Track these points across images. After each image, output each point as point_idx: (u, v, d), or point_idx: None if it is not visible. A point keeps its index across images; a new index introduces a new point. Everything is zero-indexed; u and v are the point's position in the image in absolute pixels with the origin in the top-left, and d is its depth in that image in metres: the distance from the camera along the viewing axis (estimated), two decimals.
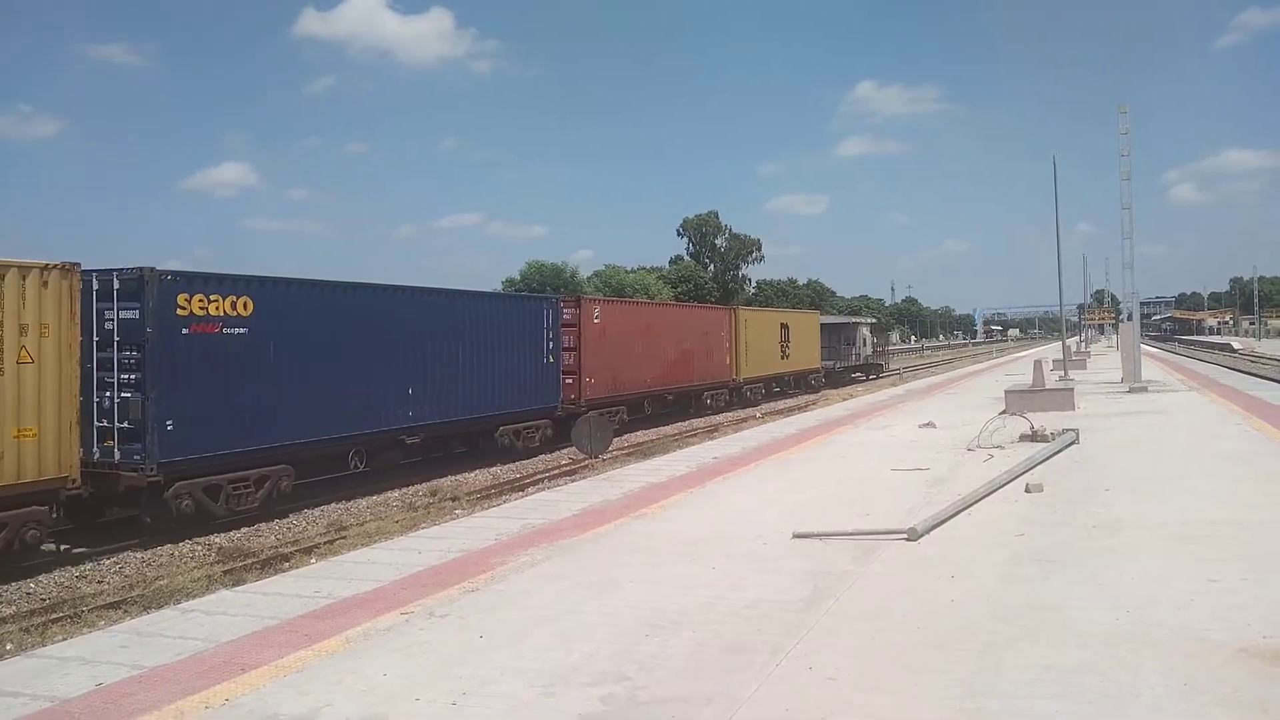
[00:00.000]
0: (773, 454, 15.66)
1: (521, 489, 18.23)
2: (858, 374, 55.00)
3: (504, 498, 16.92)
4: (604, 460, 20.81)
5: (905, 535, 8.74)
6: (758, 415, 33.22)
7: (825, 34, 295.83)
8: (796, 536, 8.97)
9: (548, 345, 24.43)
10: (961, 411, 21.39)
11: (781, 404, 38.92)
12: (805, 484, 12.52)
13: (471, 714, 5.00)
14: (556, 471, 20.53)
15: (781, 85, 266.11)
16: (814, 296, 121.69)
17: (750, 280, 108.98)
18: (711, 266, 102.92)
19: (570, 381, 25.58)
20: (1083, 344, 65.20)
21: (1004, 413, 17.92)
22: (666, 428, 30.65)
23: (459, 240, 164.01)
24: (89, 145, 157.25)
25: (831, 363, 50.31)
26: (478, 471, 20.81)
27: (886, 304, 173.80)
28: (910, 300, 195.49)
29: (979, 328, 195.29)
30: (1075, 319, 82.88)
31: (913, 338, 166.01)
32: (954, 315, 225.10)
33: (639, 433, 29.24)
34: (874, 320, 67.02)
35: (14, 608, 10.48)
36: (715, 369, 35.65)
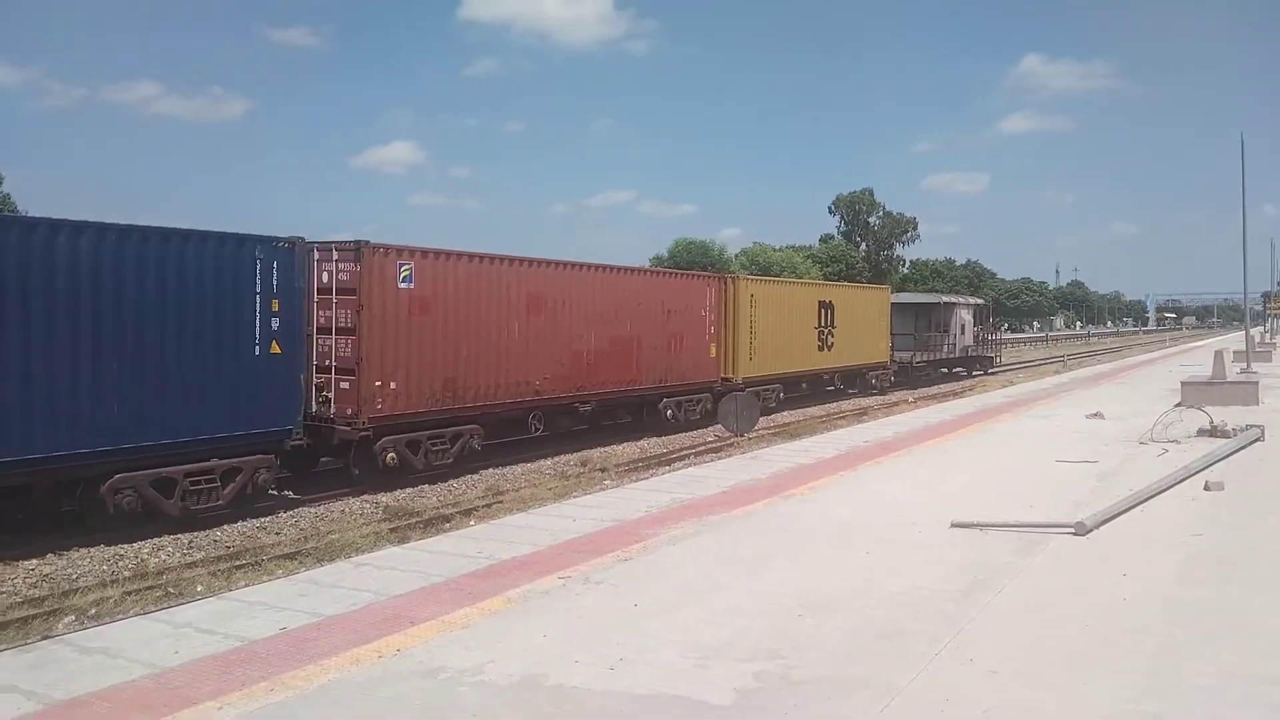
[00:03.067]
0: (927, 440, 15.26)
1: (668, 463, 18.39)
2: (959, 369, 42.12)
3: (651, 471, 17.10)
4: (749, 439, 20.75)
5: (1072, 529, 8.38)
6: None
7: (988, 5, 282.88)
8: (954, 525, 8.74)
9: (258, 322, 13.43)
10: (1132, 403, 20.27)
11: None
12: (962, 472, 12.16)
13: (628, 680, 5.12)
14: (703, 448, 20.61)
15: (939, 59, 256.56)
16: (972, 278, 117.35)
17: (904, 260, 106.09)
18: (864, 246, 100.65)
19: (345, 387, 15.04)
20: (1268, 335, 60.55)
21: (1180, 405, 16.90)
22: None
23: (610, 218, 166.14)
24: (272, 124, 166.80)
25: (911, 354, 37.50)
26: (625, 444, 21.12)
27: (1050, 287, 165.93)
28: (1076, 284, 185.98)
29: (1151, 315, 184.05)
30: (1259, 307, 77.08)
31: (1078, 324, 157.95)
32: (1124, 301, 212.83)
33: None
34: (980, 301, 48.88)
35: (203, 553, 11.35)
36: (688, 365, 23.39)
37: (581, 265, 20.03)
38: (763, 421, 23.27)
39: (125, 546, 11.21)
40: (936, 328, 40.24)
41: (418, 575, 7.36)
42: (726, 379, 24.98)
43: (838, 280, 75.00)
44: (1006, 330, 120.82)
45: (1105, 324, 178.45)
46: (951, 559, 7.65)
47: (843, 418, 25.88)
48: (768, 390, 26.31)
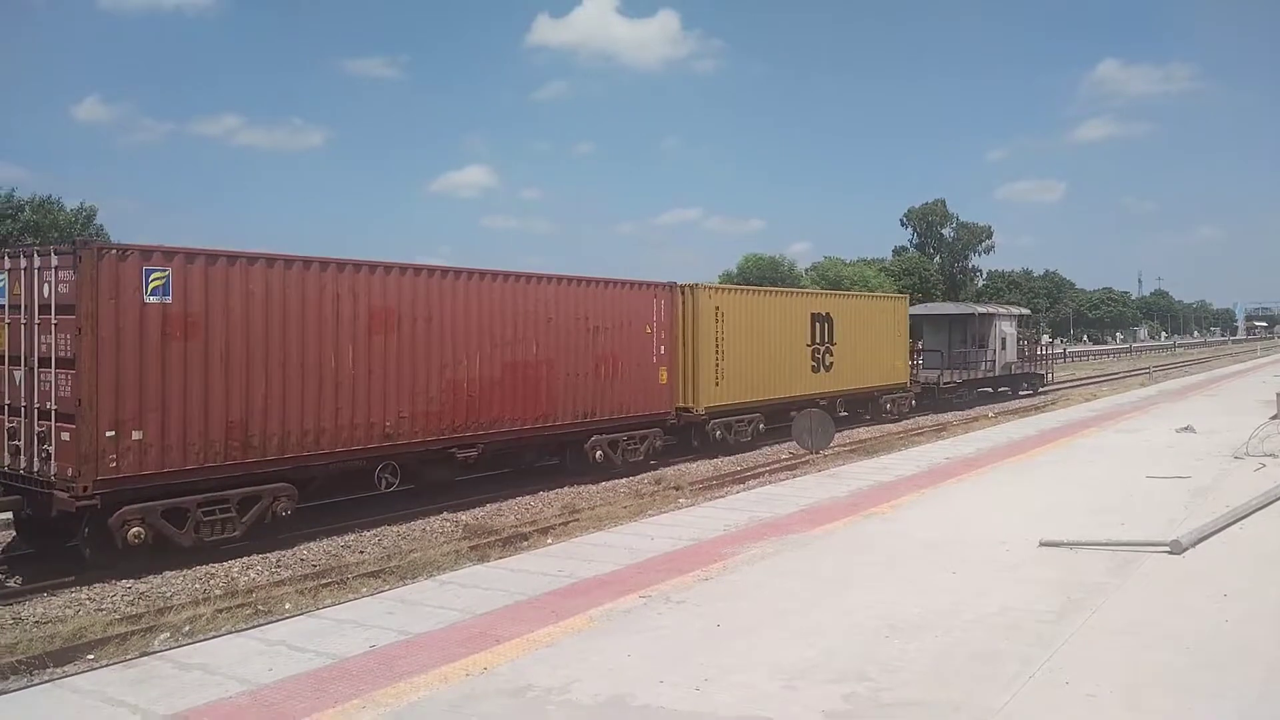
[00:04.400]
0: (1010, 456, 14.92)
1: (742, 481, 18.27)
2: (1004, 388, 36.91)
3: (725, 489, 17.01)
4: (825, 456, 20.52)
5: (1167, 548, 8.11)
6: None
7: (1061, 10, 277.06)
8: (1043, 544, 8.52)
9: None
10: (1224, 416, 19.56)
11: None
12: (1048, 489, 11.87)
13: (715, 701, 5.09)
14: (777, 465, 20.43)
15: (1012, 67, 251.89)
16: (1051, 289, 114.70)
17: (980, 271, 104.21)
18: (937, 258, 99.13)
19: (65, 438, 11.08)
20: None
21: (1276, 417, 16.24)
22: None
23: (676, 235, 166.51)
24: (350, 152, 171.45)
25: (937, 373, 32.30)
26: (699, 462, 21.06)
27: (1133, 297, 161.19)
28: (1160, 293, 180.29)
29: (1240, 323, 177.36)
30: None
31: (1163, 334, 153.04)
32: (1211, 310, 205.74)
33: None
34: (1023, 310, 43.34)
35: (290, 571, 11.61)
36: (627, 394, 18.65)
37: (458, 271, 15.31)
38: (836, 438, 22.97)
39: (216, 565, 11.52)
40: (972, 341, 34.74)
41: (501, 593, 7.43)
42: (686, 409, 20.56)
43: (912, 293, 73.93)
44: (1085, 341, 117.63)
45: (1192, 334, 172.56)
46: (1042, 579, 7.46)
47: (921, 434, 25.44)
48: (741, 422, 21.87)
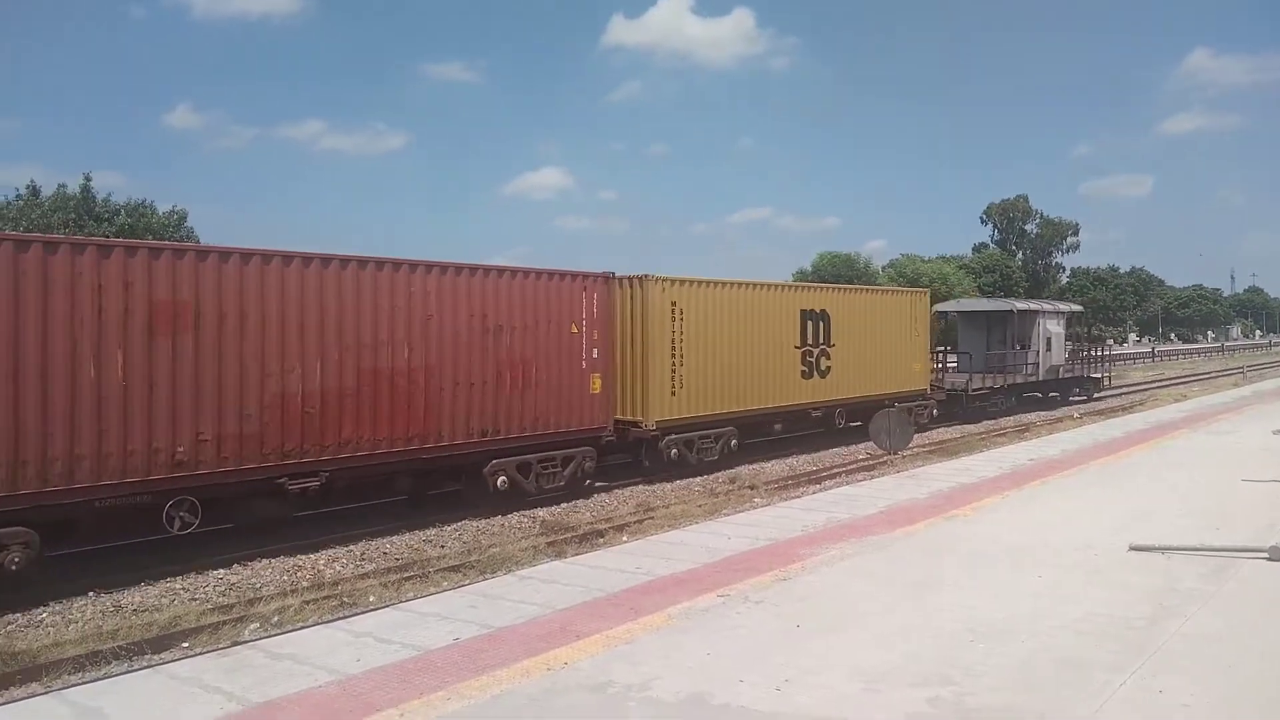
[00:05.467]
0: (1098, 458, 14.53)
1: (818, 481, 18.12)
2: (1053, 393, 33.27)
3: (801, 489, 16.90)
4: (903, 456, 20.24)
5: (1266, 554, 7.82)
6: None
7: (1149, 1, 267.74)
8: (1133, 549, 8.29)
9: None
10: None
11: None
12: (1138, 492, 11.53)
13: (796, 702, 5.07)
14: (854, 466, 20.21)
15: (1097, 59, 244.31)
16: (1138, 286, 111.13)
17: (1064, 268, 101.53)
18: (1020, 254, 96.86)
19: None
20: None
21: None
22: None
23: (751, 234, 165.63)
24: (430, 155, 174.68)
25: (967, 378, 28.56)
26: (774, 461, 20.94)
27: (1225, 295, 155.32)
28: (1255, 290, 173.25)
29: None
30: None
31: (1257, 332, 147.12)
32: None
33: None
34: (1073, 307, 38.54)
35: (374, 565, 11.88)
36: (544, 407, 15.34)
37: (286, 257, 12.12)
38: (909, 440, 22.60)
39: (304, 557, 11.86)
40: (1013, 342, 31.26)
41: (580, 589, 7.50)
42: (630, 423, 17.37)
43: (993, 291, 72.28)
44: (1174, 340, 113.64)
45: None
46: (1132, 584, 7.26)
47: (1003, 435, 24.91)
48: (706, 439, 18.60)
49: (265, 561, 11.64)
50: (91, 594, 10.29)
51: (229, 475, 11.42)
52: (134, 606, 10.03)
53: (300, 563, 11.71)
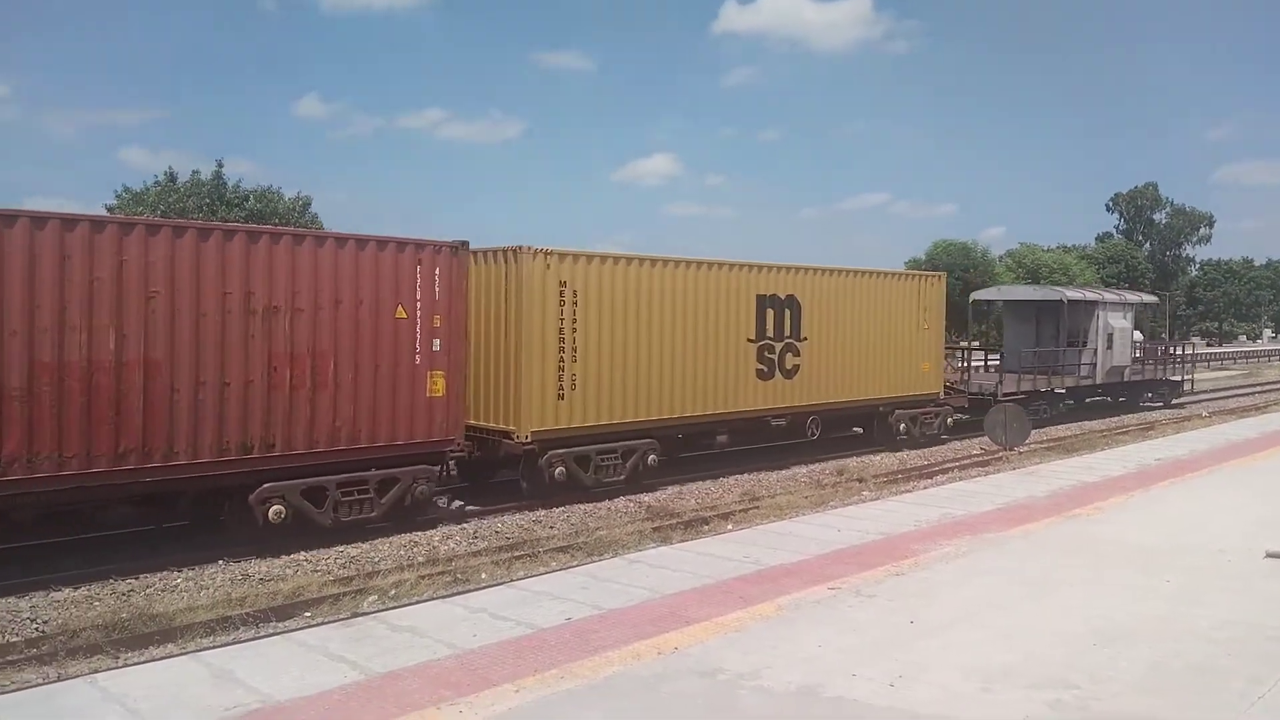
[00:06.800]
0: (1229, 459, 13.84)
1: (929, 476, 17.72)
2: (1122, 397, 29.16)
3: (911, 484, 16.57)
4: (1020, 453, 19.63)
5: None
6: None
7: None
8: (1270, 555, 7.88)
9: None
10: None
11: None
12: (1273, 495, 10.93)
13: (911, 698, 4.98)
14: (967, 461, 19.70)
15: (1235, 36, 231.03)
16: (1275, 279, 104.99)
17: (1194, 261, 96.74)
18: (1147, 245, 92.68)
19: None
20: None
21: None
22: None
23: (863, 220, 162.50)
24: (544, 142, 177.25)
25: (997, 380, 24.35)
26: (882, 455, 20.58)
27: None
28: None
29: None
30: None
31: None
32: None
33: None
34: (1147, 297, 33.45)
35: (486, 543, 12.17)
36: (357, 413, 11.69)
37: None
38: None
39: (419, 534, 12.21)
40: (1066, 338, 26.60)
41: (689, 575, 7.53)
42: (502, 433, 13.81)
43: (1117, 283, 69.15)
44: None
45: None
46: (1270, 592, 6.91)
47: (1126, 433, 23.93)
48: (610, 454, 14.70)
49: (384, 537, 12.03)
50: (221, 562, 10.82)
51: None
52: (260, 575, 10.50)
53: (416, 539, 12.06)
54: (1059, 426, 24.84)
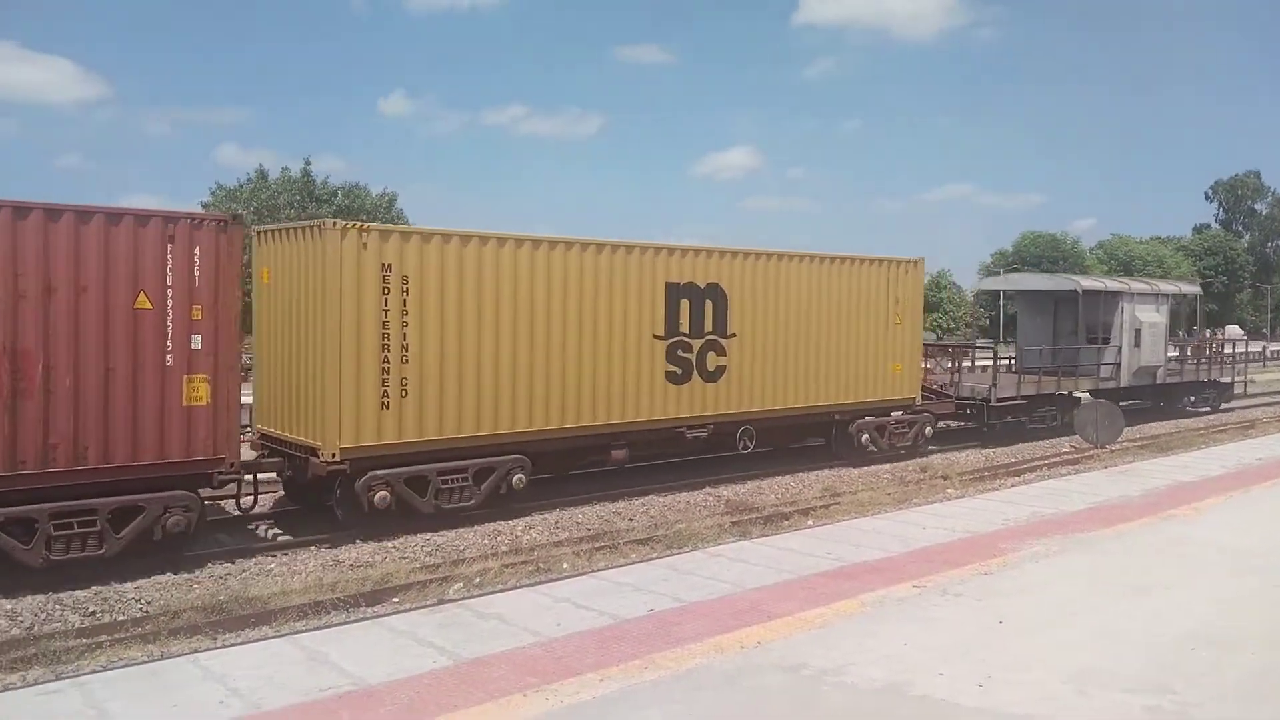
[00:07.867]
0: None
1: (1017, 474, 17.32)
2: (1161, 402, 25.74)
3: (998, 481, 16.23)
4: (1112, 451, 19.07)
5: None
6: None
7: None
8: None
9: None
10: None
11: None
12: None
13: (1000, 698, 4.90)
14: (1057, 460, 19.18)
15: None
16: None
17: None
18: (1247, 236, 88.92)
19: None
20: None
21: None
22: None
23: (947, 212, 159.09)
24: (621, 137, 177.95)
25: (990, 383, 20.67)
26: (968, 451, 20.18)
27: None
28: None
29: None
30: None
31: None
32: None
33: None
34: (1185, 288, 28.99)
35: (567, 533, 12.30)
36: (78, 428, 9.18)
37: None
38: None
39: (503, 523, 12.40)
40: (1085, 333, 23.04)
41: (769, 570, 7.52)
42: (308, 450, 11.37)
43: (1216, 276, 66.59)
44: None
45: None
46: None
47: (1224, 431, 23.04)
48: (455, 476, 11.99)
49: (469, 526, 12.24)
50: (314, 548, 11.15)
51: None
52: (350, 561, 10.79)
53: (500, 528, 12.25)
54: (1154, 424, 23.99)
